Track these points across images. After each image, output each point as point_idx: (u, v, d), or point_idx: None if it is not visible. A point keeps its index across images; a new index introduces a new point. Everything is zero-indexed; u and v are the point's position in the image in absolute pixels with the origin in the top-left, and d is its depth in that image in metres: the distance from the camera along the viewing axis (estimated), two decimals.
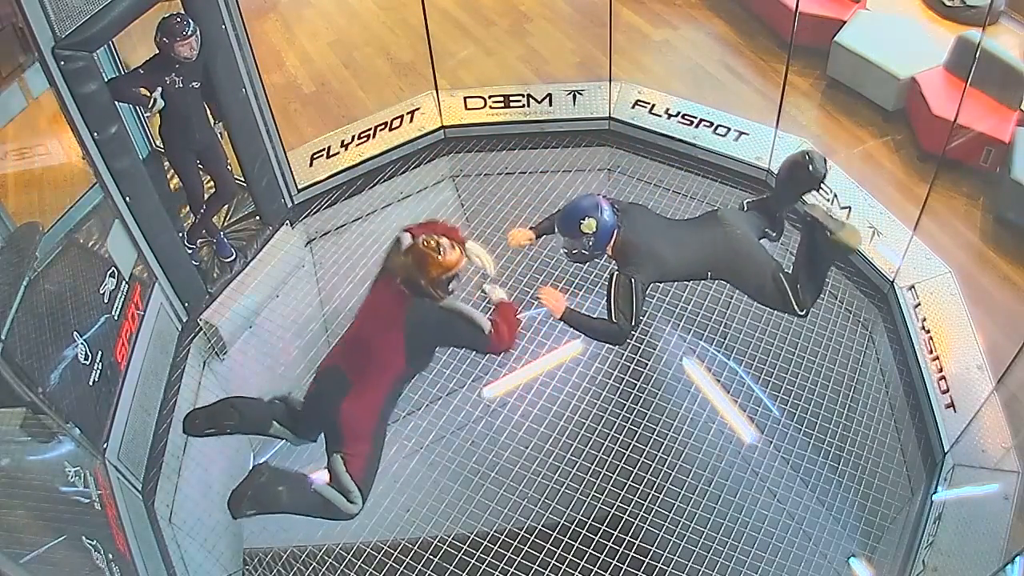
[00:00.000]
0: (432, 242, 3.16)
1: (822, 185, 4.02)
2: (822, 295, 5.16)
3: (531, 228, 4.15)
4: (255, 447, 5.31)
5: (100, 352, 4.24)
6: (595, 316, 3.80)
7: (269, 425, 3.42)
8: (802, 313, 3.88)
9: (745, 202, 4.24)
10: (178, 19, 4.55)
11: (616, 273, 3.70)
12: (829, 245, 3.75)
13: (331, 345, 5.54)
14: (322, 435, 3.42)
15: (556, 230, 3.83)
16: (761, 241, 4.11)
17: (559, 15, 7.84)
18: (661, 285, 5.48)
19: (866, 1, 6.98)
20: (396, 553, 4.63)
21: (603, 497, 4.88)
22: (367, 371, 3.23)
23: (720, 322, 5.44)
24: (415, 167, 6.28)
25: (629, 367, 5.34)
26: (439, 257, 3.15)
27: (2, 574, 2.62)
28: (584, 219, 3.67)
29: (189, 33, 4.55)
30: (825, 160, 3.98)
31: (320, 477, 3.33)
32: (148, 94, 4.66)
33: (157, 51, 4.64)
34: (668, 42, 7.40)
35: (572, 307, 3.79)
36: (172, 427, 4.70)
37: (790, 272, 3.91)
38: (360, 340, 3.32)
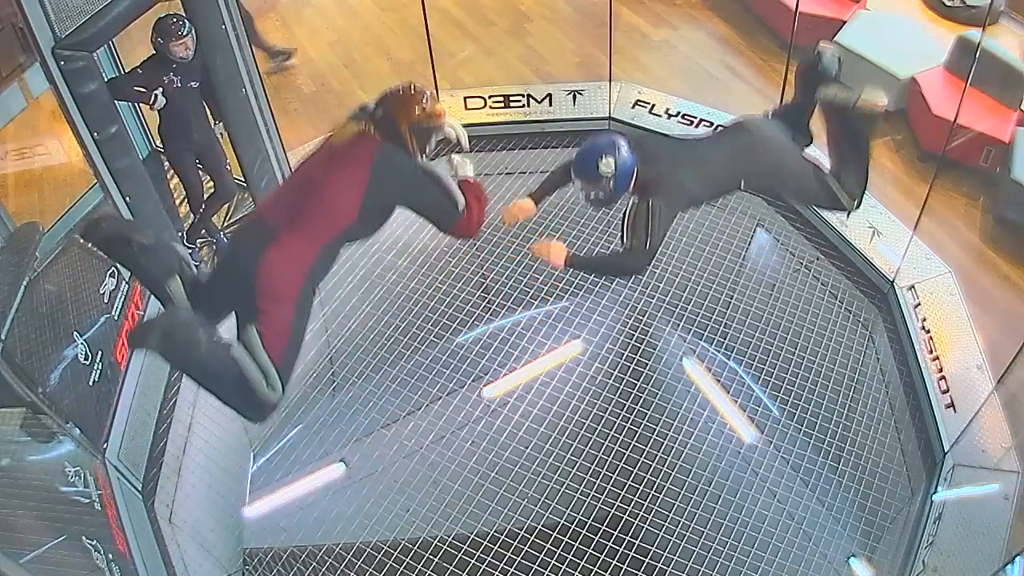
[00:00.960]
0: (416, 87, 2.85)
1: (839, 82, 3.73)
2: (824, 295, 5.15)
3: (529, 196, 3.84)
4: (255, 447, 5.31)
5: (100, 352, 4.24)
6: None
7: (169, 278, 2.74)
8: (854, 206, 3.63)
9: (768, 111, 3.95)
10: (174, 20, 4.56)
11: (634, 203, 3.40)
12: (856, 118, 3.53)
13: (331, 345, 5.63)
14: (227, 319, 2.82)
15: (572, 175, 3.50)
16: None
17: (559, 15, 7.84)
18: (661, 285, 5.49)
19: (866, 1, 6.98)
20: (396, 553, 4.63)
21: (603, 497, 4.88)
22: (305, 217, 2.69)
23: (720, 322, 5.44)
24: None
25: (629, 367, 5.35)
26: (424, 102, 2.82)
27: (2, 574, 2.61)
28: (602, 158, 3.34)
29: (184, 33, 4.56)
30: (839, 59, 3.73)
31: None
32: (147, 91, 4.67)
33: (154, 51, 4.65)
34: (668, 42, 7.40)
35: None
36: (172, 427, 4.70)
37: (832, 168, 3.69)
38: (303, 186, 2.79)
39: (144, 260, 2.72)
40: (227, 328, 2.79)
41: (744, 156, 3.57)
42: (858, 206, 3.67)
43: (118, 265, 2.98)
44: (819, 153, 3.81)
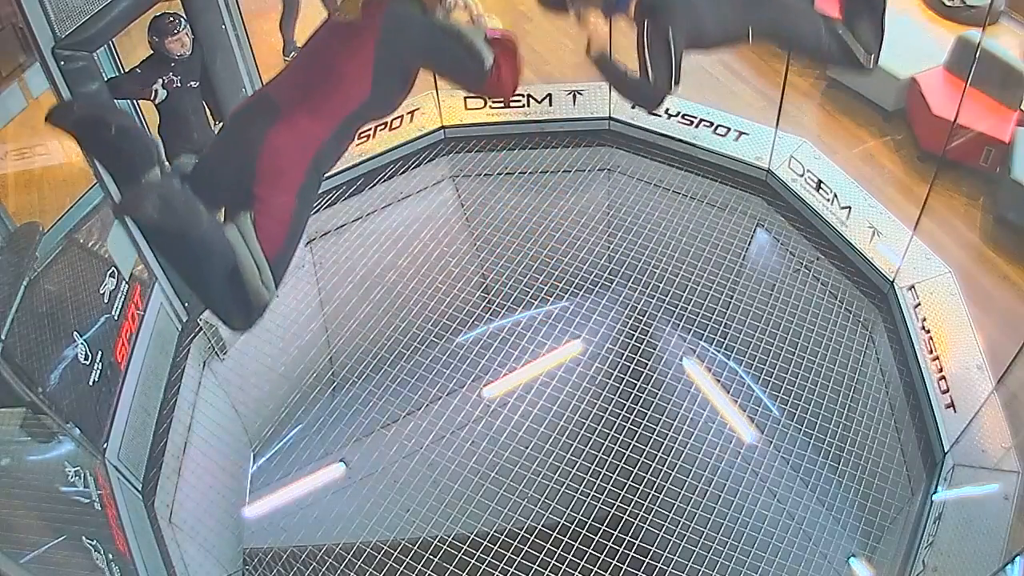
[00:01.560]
0: None
1: None
2: (824, 295, 5.15)
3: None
4: (255, 447, 5.31)
5: (100, 352, 4.24)
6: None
7: (150, 167, 2.22)
8: (870, 64, 3.38)
9: None
10: (170, 17, 4.59)
11: (645, 30, 3.08)
12: None
13: (331, 345, 5.63)
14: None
15: None
16: None
17: (559, 15, 7.82)
18: (661, 285, 5.48)
19: None
20: (396, 553, 4.63)
21: (603, 497, 4.87)
22: (312, 94, 2.36)
23: (720, 322, 5.44)
24: (415, 167, 6.28)
25: (629, 367, 5.34)
26: None
27: (2, 574, 2.61)
28: None
29: (179, 29, 4.59)
30: None
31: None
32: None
33: (152, 52, 4.67)
34: None
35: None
36: (172, 427, 4.70)
37: (843, 22, 3.41)
38: (309, 63, 2.45)
39: (123, 146, 2.22)
40: None
41: (757, 3, 3.29)
42: (875, 63, 3.35)
43: (91, 155, 2.46)
44: None
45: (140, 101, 5.77)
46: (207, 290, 2.34)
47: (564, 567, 4.49)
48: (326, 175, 2.49)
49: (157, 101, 4.72)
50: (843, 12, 3.46)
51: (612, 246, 5.77)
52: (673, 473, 4.89)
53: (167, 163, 5.20)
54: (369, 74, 2.36)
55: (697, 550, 4.56)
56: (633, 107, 6.30)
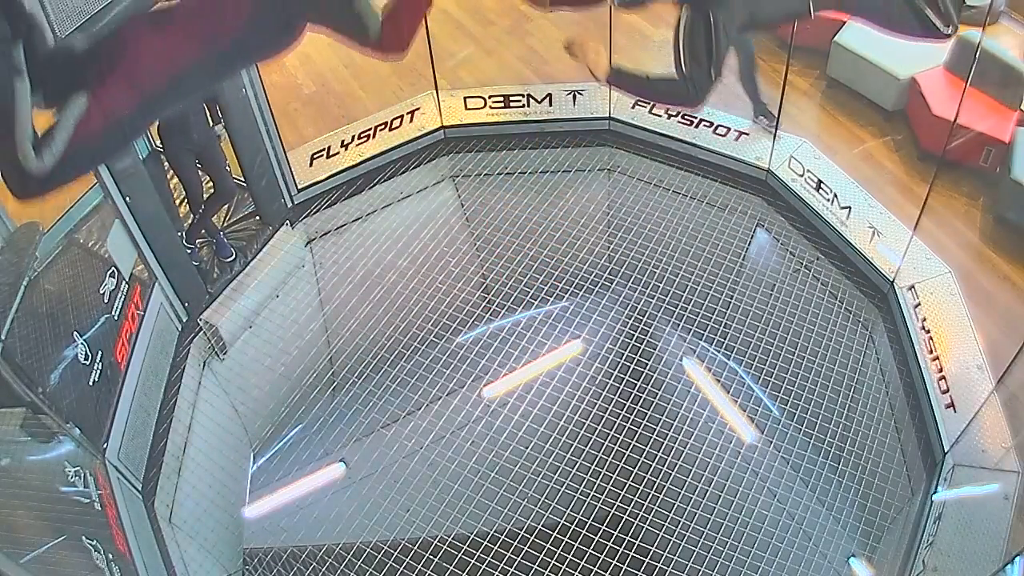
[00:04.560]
0: None
1: None
2: (824, 295, 5.14)
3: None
4: (255, 447, 5.31)
5: (100, 352, 4.24)
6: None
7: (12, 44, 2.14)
8: (948, 30, 2.97)
9: None
10: None
11: (686, 16, 2.81)
12: None
13: (331, 345, 5.62)
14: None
15: None
16: None
17: (559, 15, 7.82)
18: (661, 285, 5.48)
19: None
20: (396, 553, 4.63)
21: (603, 497, 4.87)
22: (193, 10, 2.29)
23: (720, 322, 5.44)
24: (415, 167, 6.28)
25: (629, 367, 5.34)
26: None
27: (2, 574, 2.61)
28: None
29: None
30: None
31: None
32: None
33: None
34: (668, 42, 7.37)
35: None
36: (172, 427, 4.70)
37: None
38: None
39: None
40: None
41: None
42: (954, 30, 2.95)
43: None
44: None
45: None
46: None
47: (564, 567, 4.49)
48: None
49: None
50: None
51: (612, 246, 5.77)
52: (673, 473, 4.89)
53: (169, 161, 5.14)
54: (247, 8, 2.26)
55: (697, 550, 4.56)
56: (633, 106, 6.31)
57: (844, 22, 6.69)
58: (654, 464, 4.85)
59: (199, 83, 2.36)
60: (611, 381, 5.33)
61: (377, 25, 2.34)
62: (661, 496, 4.77)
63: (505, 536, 4.62)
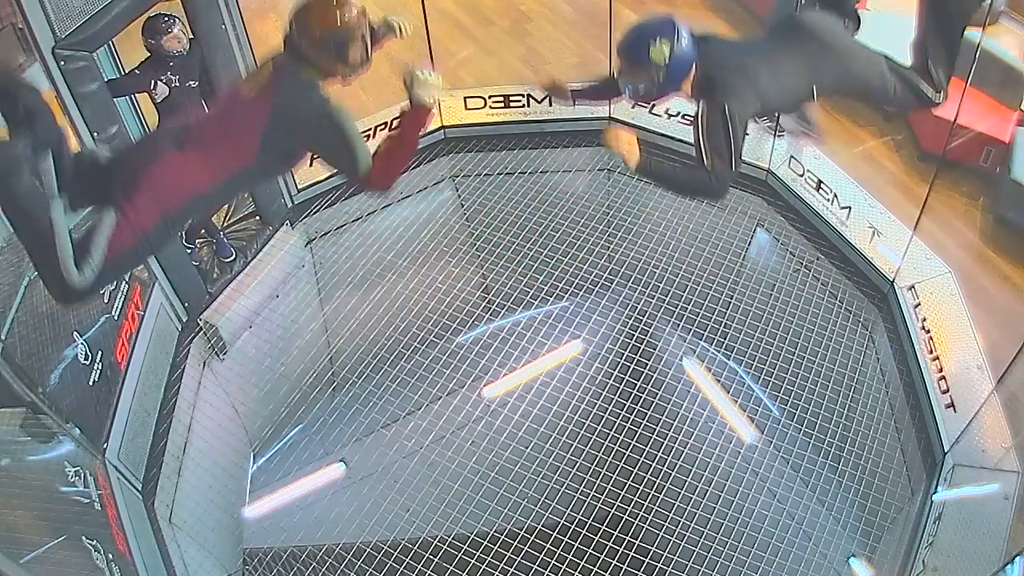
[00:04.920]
0: None
1: None
2: (824, 295, 5.14)
3: (572, 91, 3.51)
4: (255, 447, 5.31)
5: (100, 352, 4.24)
6: (678, 166, 3.12)
7: (44, 152, 2.44)
8: (938, 100, 3.24)
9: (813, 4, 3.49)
10: (164, 18, 4.62)
11: (703, 109, 3.01)
12: None
13: (331, 345, 5.62)
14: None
15: (619, 57, 3.00)
16: None
17: (559, 15, 7.84)
18: (661, 285, 5.48)
19: (866, 1, 6.97)
20: (396, 553, 4.63)
21: (603, 497, 4.88)
22: (211, 143, 2.59)
23: (720, 322, 5.44)
24: (415, 167, 6.28)
25: (629, 367, 5.34)
26: (326, 9, 2.55)
27: (2, 574, 2.61)
28: (656, 42, 2.87)
29: (174, 28, 4.62)
30: None
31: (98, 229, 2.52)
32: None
33: (149, 54, 4.69)
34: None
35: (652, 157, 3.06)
36: (172, 427, 4.70)
37: (912, 61, 3.32)
38: (222, 108, 2.75)
39: (29, 126, 2.41)
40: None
41: (812, 58, 3.13)
42: (944, 97, 3.22)
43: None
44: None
45: (140, 103, 5.81)
46: (31, 255, 2.52)
47: (564, 567, 4.50)
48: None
49: (159, 98, 4.72)
50: (918, 44, 3.34)
51: (612, 246, 5.77)
52: (673, 473, 4.89)
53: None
54: (256, 145, 2.55)
55: (697, 550, 4.56)
56: (633, 106, 6.31)
57: None
58: (654, 464, 4.85)
59: (215, 200, 2.76)
60: (611, 381, 5.33)
61: (367, 163, 2.61)
62: (661, 496, 4.77)
63: (505, 536, 4.63)
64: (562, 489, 4.88)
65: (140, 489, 4.39)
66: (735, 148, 2.94)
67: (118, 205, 2.47)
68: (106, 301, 4.37)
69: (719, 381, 5.45)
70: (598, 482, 4.92)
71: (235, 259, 5.53)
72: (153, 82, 4.66)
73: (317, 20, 2.54)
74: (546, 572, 4.48)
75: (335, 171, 2.77)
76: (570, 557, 4.50)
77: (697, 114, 3.00)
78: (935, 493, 4.48)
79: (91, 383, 4.14)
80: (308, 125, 2.57)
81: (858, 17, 3.48)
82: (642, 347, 5.52)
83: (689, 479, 4.87)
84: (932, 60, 3.23)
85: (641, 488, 4.80)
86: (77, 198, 2.57)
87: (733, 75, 3.00)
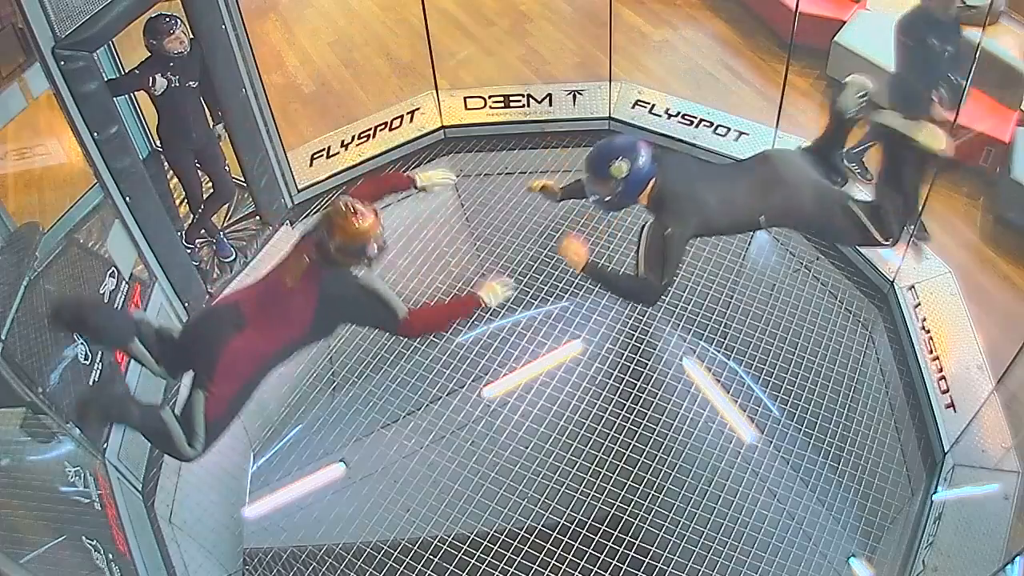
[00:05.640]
0: (344, 207, 3.10)
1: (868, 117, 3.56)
2: (824, 295, 5.14)
3: (561, 188, 3.81)
4: (255, 446, 5.31)
5: (100, 352, 4.23)
6: (621, 273, 3.47)
7: (129, 342, 3.18)
8: (888, 243, 3.44)
9: (799, 147, 3.75)
10: (165, 18, 4.61)
11: (650, 223, 3.31)
12: (909, 153, 3.32)
13: (331, 345, 5.62)
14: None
15: (584, 168, 3.37)
16: None
17: (559, 15, 7.84)
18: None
19: (866, 1, 6.97)
20: (396, 553, 4.63)
21: (603, 497, 4.87)
22: (269, 320, 3.11)
23: (720, 322, 5.44)
24: (415, 167, 6.28)
25: (629, 367, 5.34)
26: (346, 223, 3.07)
27: (2, 574, 2.62)
28: (616, 160, 3.22)
29: (175, 28, 4.61)
30: (862, 91, 3.50)
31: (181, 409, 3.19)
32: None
33: (149, 54, 4.69)
34: (668, 42, 7.40)
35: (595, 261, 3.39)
36: None
37: (871, 200, 3.48)
38: (273, 290, 3.19)
39: (103, 336, 3.23)
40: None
41: (765, 190, 3.37)
42: (894, 243, 3.47)
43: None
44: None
45: (139, 104, 5.81)
46: (153, 444, 3.45)
47: (564, 567, 4.50)
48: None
49: (157, 92, 4.72)
50: (878, 191, 3.50)
51: (612, 246, 5.76)
52: (673, 473, 4.89)
53: (169, 161, 5.32)
54: (310, 319, 3.14)
55: (697, 550, 4.56)
56: (633, 106, 6.30)
57: (844, 22, 6.71)
58: (654, 464, 4.85)
59: (276, 361, 3.22)
60: (611, 381, 5.32)
61: (404, 309, 3.30)
62: (661, 496, 4.77)
63: (505, 536, 4.63)
64: (562, 489, 4.87)
65: (140, 489, 4.39)
66: (668, 267, 3.21)
67: (203, 386, 3.06)
68: (106, 301, 4.37)
69: (719, 381, 5.44)
70: (598, 482, 4.92)
71: (235, 259, 5.53)
72: (152, 78, 4.65)
73: (338, 232, 3.06)
74: (546, 572, 4.48)
75: (375, 325, 3.49)
76: (570, 557, 4.51)
77: (643, 227, 3.31)
78: (935, 493, 4.48)
79: (91, 383, 4.14)
80: (354, 302, 3.23)
81: (843, 172, 3.63)
82: (642, 347, 5.52)
83: (689, 479, 4.86)
84: (887, 208, 3.40)
85: (641, 488, 4.80)
86: (172, 368, 3.29)
87: (682, 202, 3.28)
